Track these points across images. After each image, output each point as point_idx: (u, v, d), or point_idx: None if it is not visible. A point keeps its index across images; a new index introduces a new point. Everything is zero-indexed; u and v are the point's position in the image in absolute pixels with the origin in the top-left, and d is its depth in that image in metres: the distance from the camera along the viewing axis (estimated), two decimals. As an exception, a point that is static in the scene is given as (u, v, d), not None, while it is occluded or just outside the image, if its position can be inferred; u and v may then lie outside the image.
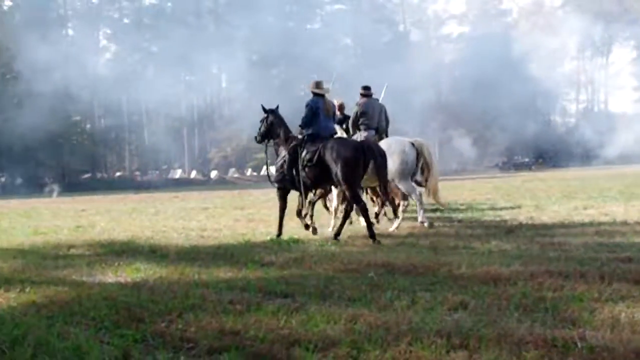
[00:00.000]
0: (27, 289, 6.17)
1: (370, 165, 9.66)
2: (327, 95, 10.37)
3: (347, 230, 10.64)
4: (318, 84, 10.29)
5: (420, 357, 3.82)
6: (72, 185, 57.42)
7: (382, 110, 11.68)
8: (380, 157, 9.58)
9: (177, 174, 72.05)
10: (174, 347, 4.18)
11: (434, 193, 11.15)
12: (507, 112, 63.58)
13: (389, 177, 10.30)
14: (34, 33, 58.04)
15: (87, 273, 7.38)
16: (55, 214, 20.42)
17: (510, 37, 76.25)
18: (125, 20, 77.08)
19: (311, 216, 10.84)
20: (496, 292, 5.46)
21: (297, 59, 66.48)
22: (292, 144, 10.11)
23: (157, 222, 14.43)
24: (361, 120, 11.31)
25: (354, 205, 10.00)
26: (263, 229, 11.70)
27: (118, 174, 74.45)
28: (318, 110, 9.99)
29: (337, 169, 9.34)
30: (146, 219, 16.10)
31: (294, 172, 9.93)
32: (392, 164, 10.35)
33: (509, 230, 10.02)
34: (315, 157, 9.57)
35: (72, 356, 4.02)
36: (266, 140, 10.94)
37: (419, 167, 10.81)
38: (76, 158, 69.16)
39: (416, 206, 11.04)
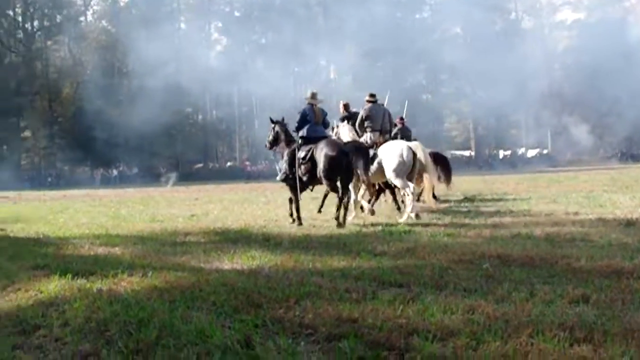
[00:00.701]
0: (149, 274, 6.39)
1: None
2: (318, 105, 11.93)
3: (458, 221, 10.65)
4: (313, 95, 11.93)
5: (543, 350, 3.74)
6: (185, 175, 59.16)
7: (385, 113, 12.87)
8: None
9: (285, 163, 72.73)
10: (293, 333, 4.24)
11: (428, 191, 12.69)
12: (626, 100, 60.97)
13: (387, 174, 11.73)
14: (148, 27, 59.86)
15: (204, 260, 7.57)
16: (170, 202, 21.08)
17: (628, 22, 73.07)
18: (236, 13, 78.28)
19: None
20: (619, 286, 5.28)
21: (405, 50, 65.94)
22: (290, 148, 11.78)
23: (269, 211, 14.67)
24: (366, 123, 12.59)
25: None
26: (373, 219, 11.74)
27: (229, 164, 75.98)
28: (308, 117, 11.63)
29: (321, 166, 10.77)
30: (257, 208, 16.39)
31: (293, 170, 11.54)
32: (391, 164, 11.61)
33: (628, 223, 9.63)
34: (308, 155, 11.11)
35: (195, 339, 4.14)
36: (275, 147, 12.62)
37: (416, 167, 11.86)
38: (189, 148, 71.22)
39: (406, 199, 11.97)
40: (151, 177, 58.67)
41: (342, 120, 13.42)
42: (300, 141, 11.57)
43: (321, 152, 10.78)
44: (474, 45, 71.50)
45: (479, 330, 4.12)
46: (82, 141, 62.05)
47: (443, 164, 14.56)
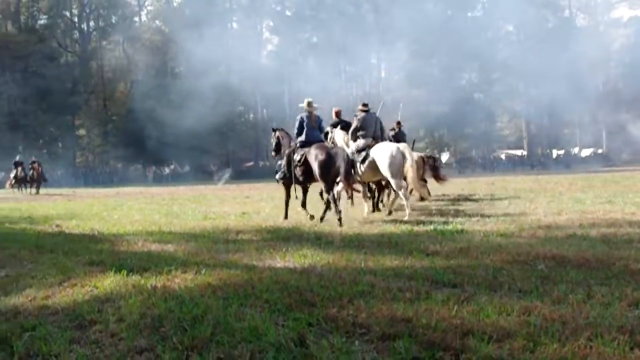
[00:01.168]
0: (203, 271, 6.44)
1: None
2: (314, 112, 12.92)
3: (512, 221, 10.52)
4: (309, 103, 12.85)
5: (602, 353, 3.67)
6: (236, 173, 59.51)
7: (377, 121, 13.85)
8: (345, 160, 11.51)
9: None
10: (346, 332, 4.24)
11: (415, 189, 13.52)
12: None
13: (384, 173, 12.71)
14: (201, 27, 60.46)
15: (256, 257, 7.60)
16: (222, 200, 21.23)
17: (686, 19, 71.32)
18: (287, 13, 78.50)
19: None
20: (679, 288, 5.16)
21: (457, 48, 65.37)
22: (289, 150, 12.85)
23: (320, 210, 14.63)
24: (360, 132, 13.50)
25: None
26: (425, 219, 11.67)
27: (280, 162, 76.32)
28: (305, 124, 12.63)
29: (315, 168, 11.74)
30: (308, 206, 16.39)
31: (290, 170, 12.60)
32: (384, 164, 12.58)
33: (689, 224, 9.42)
34: (303, 159, 12.12)
35: (249, 336, 4.15)
36: (279, 153, 13.57)
37: (405, 167, 12.58)
38: (240, 147, 71.91)
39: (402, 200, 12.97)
40: (203, 174, 59.35)
41: (334, 126, 14.45)
42: (298, 145, 12.61)
43: (312, 156, 11.86)
44: (527, 43, 70.61)
45: (536, 332, 4.06)
46: (135, 139, 62.97)
47: (432, 166, 16.69)
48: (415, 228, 10.13)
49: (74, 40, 75.40)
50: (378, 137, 13.77)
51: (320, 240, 8.98)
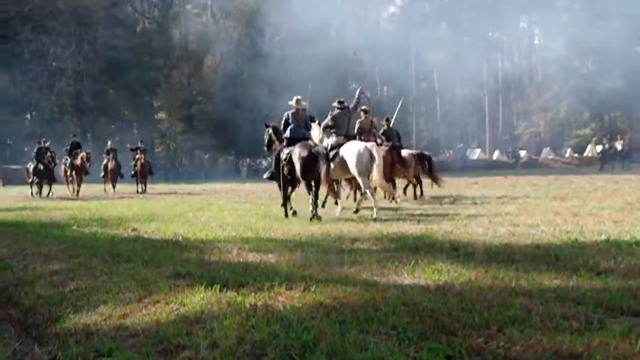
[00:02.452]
0: (312, 288, 6.47)
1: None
2: (301, 109, 15.58)
3: None
4: (298, 101, 15.52)
5: None
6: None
7: (351, 119, 16.60)
8: (325, 159, 14.06)
9: (476, 154, 71.82)
10: (497, 369, 4.19)
11: (380, 188, 16.00)
12: None
13: (352, 172, 15.07)
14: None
15: (378, 272, 7.59)
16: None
17: None
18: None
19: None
20: None
21: (636, 7, 63.18)
22: (277, 150, 15.63)
23: (456, 213, 14.53)
24: (333, 129, 16.17)
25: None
26: (593, 226, 11.35)
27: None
28: (290, 120, 15.33)
29: (298, 166, 14.33)
30: (440, 207, 16.33)
31: (278, 169, 15.30)
32: (352, 162, 14.89)
33: None
34: (288, 157, 14.69)
35: (373, 369, 4.16)
36: (272, 148, 16.42)
37: (373, 166, 14.80)
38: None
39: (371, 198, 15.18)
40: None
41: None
42: (284, 142, 15.30)
43: (296, 154, 14.31)
44: None
45: None
46: (225, 125, 63.68)
47: (426, 164, 21.00)
48: (581, 238, 9.87)
49: (152, 4, 77.10)
50: (351, 135, 16.48)
51: (457, 252, 8.88)
